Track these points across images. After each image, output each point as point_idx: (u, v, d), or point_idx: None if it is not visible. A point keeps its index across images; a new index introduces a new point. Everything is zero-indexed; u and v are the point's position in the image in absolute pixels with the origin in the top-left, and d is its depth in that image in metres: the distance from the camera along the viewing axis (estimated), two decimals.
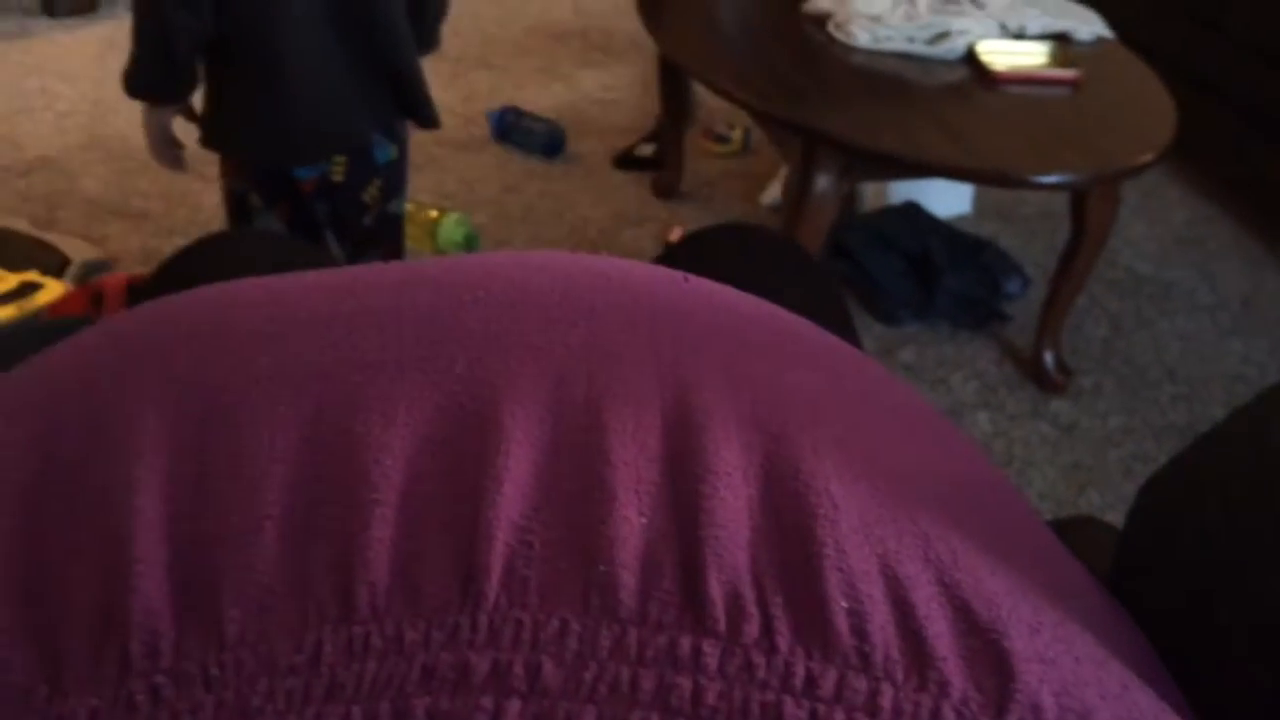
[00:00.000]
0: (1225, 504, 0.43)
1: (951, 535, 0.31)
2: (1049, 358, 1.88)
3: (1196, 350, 2.02)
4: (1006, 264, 2.10)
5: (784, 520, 0.30)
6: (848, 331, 0.77)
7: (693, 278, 0.41)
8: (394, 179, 1.52)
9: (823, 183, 1.63)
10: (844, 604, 0.28)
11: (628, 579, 0.28)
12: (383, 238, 1.56)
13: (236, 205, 1.46)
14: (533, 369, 0.33)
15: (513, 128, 2.52)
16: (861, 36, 1.82)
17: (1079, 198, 1.69)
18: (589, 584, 0.28)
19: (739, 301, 0.40)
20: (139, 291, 0.69)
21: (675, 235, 2.19)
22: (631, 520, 0.29)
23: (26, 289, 1.81)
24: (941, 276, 2.01)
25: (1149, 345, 2.03)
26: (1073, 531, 0.83)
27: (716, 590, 0.28)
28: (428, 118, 1.50)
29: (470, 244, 2.11)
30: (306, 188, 1.43)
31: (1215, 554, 0.40)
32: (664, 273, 0.41)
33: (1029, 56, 1.80)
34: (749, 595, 0.28)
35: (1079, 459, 1.74)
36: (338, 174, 1.43)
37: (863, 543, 0.29)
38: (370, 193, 1.48)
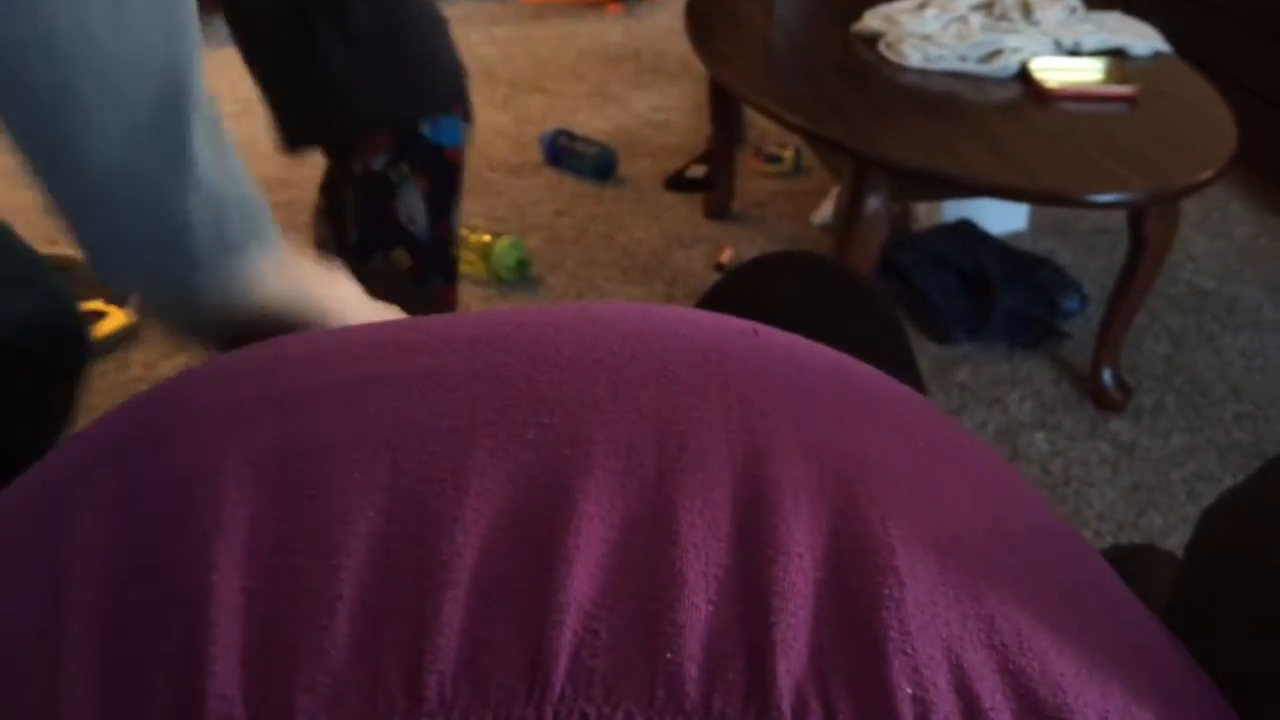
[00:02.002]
0: None
1: (1017, 613, 0.30)
2: (1108, 376, 1.85)
3: (1261, 367, 1.98)
4: (1063, 281, 2.07)
5: (851, 604, 0.29)
6: (906, 362, 0.76)
7: (762, 329, 0.41)
8: None
9: (874, 203, 1.62)
10: (909, 691, 0.27)
11: (693, 669, 0.27)
12: None
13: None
14: (603, 434, 0.33)
15: (565, 151, 2.53)
16: (913, 56, 1.81)
17: (1137, 215, 1.66)
18: (654, 674, 0.27)
19: (808, 355, 0.40)
20: None
21: (726, 256, 2.19)
22: (699, 608, 0.29)
23: (90, 317, 1.85)
24: (997, 295, 1.99)
25: (1212, 362, 1.99)
26: (1132, 560, 0.81)
27: (784, 681, 0.27)
28: None
29: (523, 268, 2.12)
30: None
31: (1277, 593, 0.40)
32: (734, 325, 0.40)
33: (1084, 73, 1.78)
34: (812, 688, 0.27)
35: (1139, 480, 1.71)
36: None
37: (928, 625, 0.29)
38: None
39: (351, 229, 1.47)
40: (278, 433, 0.33)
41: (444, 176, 1.47)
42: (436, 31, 1.41)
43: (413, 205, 1.47)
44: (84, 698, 0.28)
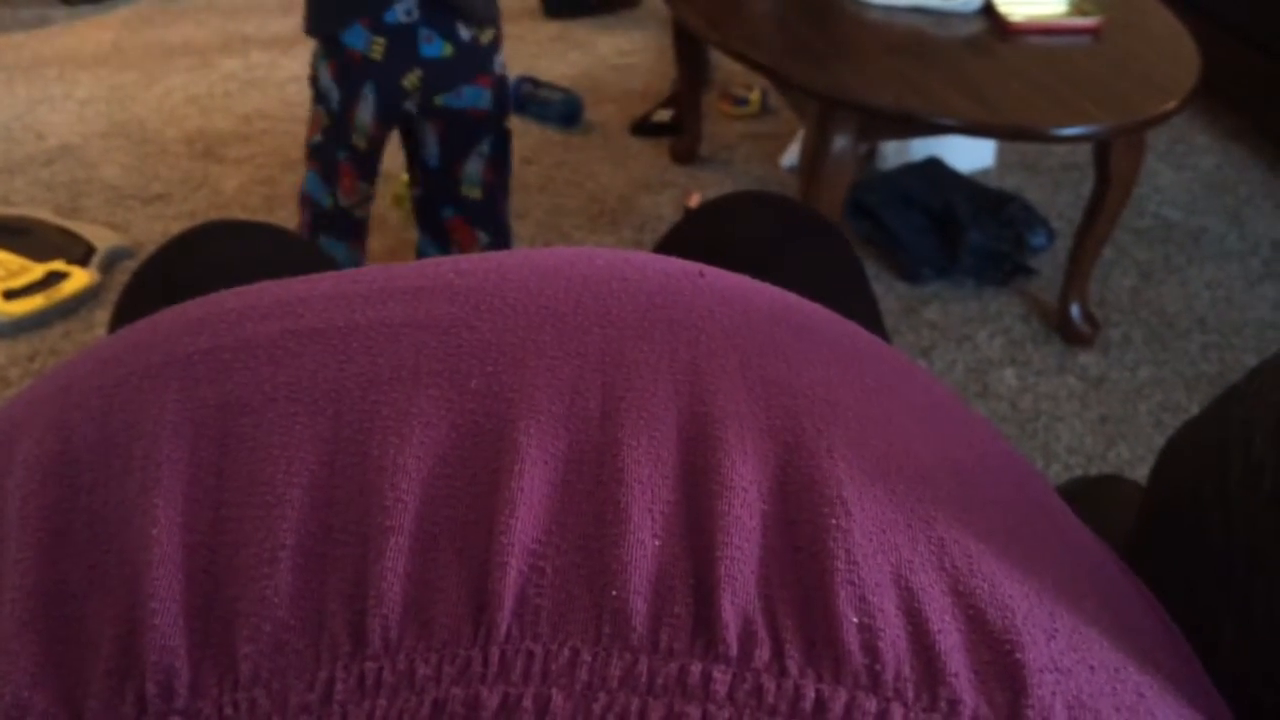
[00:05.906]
0: (1247, 467, 0.42)
1: (968, 537, 0.30)
2: (1076, 310, 1.86)
3: (1226, 298, 2.00)
4: (1031, 217, 2.08)
5: (797, 534, 0.29)
6: (864, 298, 0.76)
7: (708, 271, 0.40)
8: (440, 76, 1.62)
9: (840, 144, 1.61)
10: (855, 619, 0.27)
11: (639, 604, 0.28)
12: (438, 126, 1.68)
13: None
14: (547, 380, 0.33)
15: (529, 98, 2.50)
16: None
17: (1103, 148, 1.66)
18: (601, 611, 0.27)
19: (755, 295, 0.40)
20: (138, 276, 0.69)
21: (694, 201, 2.18)
22: (645, 543, 0.29)
23: (53, 279, 1.83)
24: (965, 232, 1.99)
25: (1178, 294, 2.01)
26: (1098, 491, 0.82)
27: (729, 613, 0.27)
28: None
29: None
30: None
31: (1235, 521, 0.40)
32: (679, 268, 0.40)
33: (1047, 6, 1.77)
34: (760, 619, 0.28)
35: (1108, 412, 1.73)
36: (376, 53, 1.52)
37: (875, 552, 0.29)
38: (410, 80, 1.57)
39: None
40: (217, 389, 0.33)
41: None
42: None
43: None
44: (23, 656, 0.28)
